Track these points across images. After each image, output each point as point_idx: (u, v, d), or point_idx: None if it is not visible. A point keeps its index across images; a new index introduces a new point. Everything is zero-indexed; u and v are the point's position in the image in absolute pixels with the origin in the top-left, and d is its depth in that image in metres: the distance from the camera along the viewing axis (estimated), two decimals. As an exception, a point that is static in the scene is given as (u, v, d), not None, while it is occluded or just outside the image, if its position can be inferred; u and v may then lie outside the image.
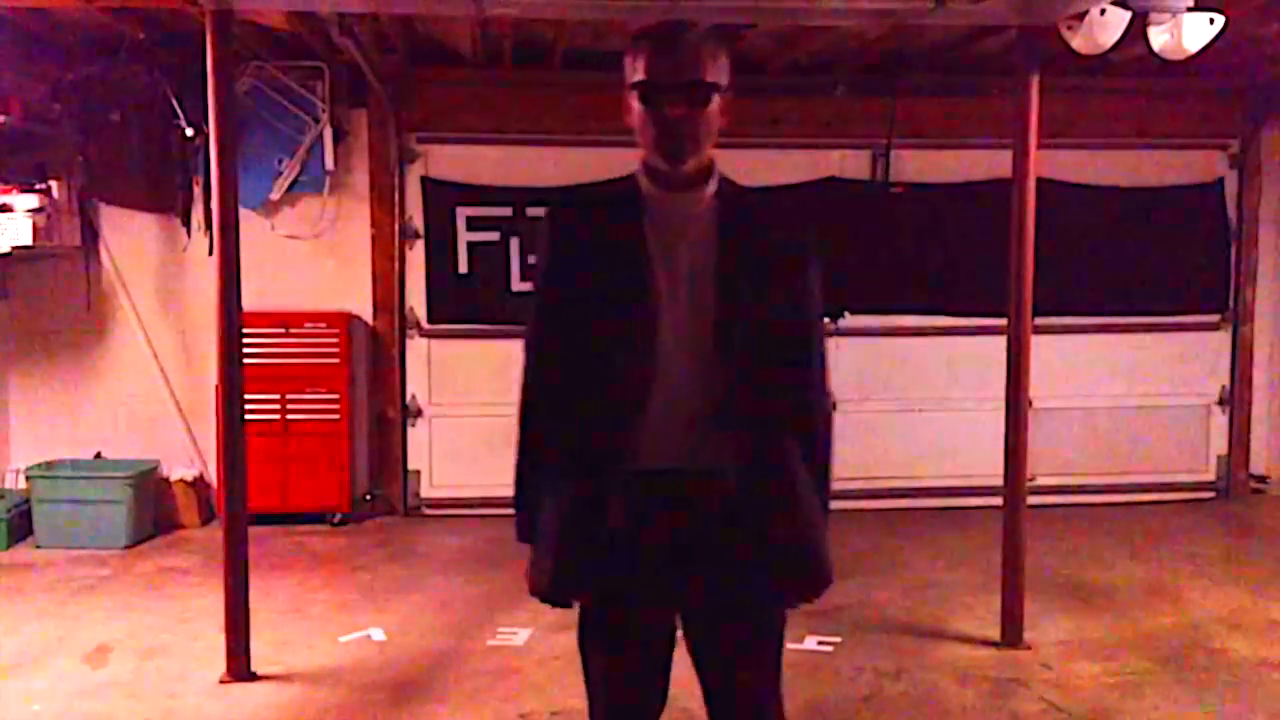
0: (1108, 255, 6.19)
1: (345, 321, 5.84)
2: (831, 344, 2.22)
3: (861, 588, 4.69)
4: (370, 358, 6.02)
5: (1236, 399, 6.46)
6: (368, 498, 6.01)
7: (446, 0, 4.11)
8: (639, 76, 1.93)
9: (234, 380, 3.80)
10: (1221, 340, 6.45)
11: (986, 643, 4.11)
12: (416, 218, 5.97)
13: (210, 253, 4.28)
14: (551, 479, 2.02)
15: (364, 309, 5.99)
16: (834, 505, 2.10)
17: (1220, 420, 6.48)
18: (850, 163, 6.06)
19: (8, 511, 5.39)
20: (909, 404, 6.14)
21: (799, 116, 5.96)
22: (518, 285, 5.94)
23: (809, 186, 5.94)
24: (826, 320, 2.55)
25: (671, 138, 1.92)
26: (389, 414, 6.04)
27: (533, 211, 5.92)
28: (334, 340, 5.78)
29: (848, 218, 5.92)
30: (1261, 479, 6.53)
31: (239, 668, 3.75)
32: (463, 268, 5.96)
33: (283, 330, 5.73)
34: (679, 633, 2.09)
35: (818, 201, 5.89)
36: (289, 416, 5.74)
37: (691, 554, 1.98)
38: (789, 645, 2.16)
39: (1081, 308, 6.20)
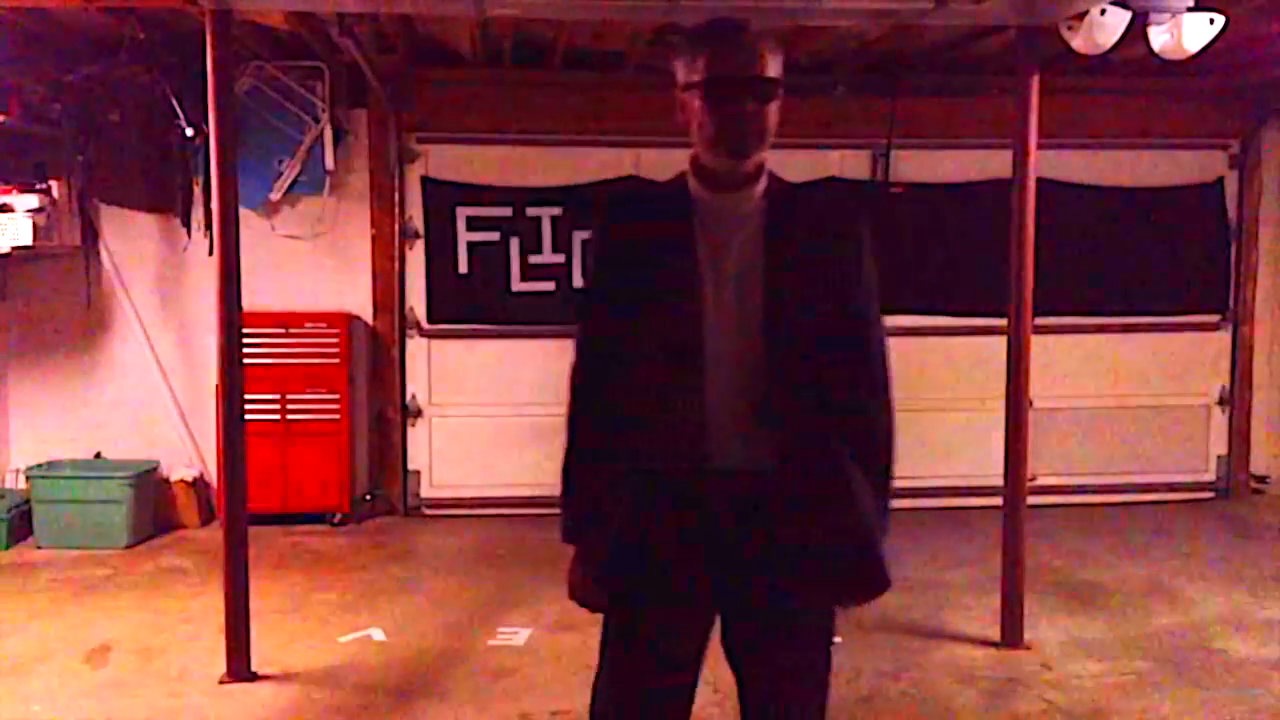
0: (1108, 255, 6.19)
1: (345, 321, 5.84)
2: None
3: (861, 588, 4.69)
4: (370, 358, 6.02)
5: (1236, 399, 6.46)
6: (368, 498, 6.01)
7: (446, 0, 4.11)
8: (700, 74, 1.91)
9: (234, 380, 3.80)
10: (1221, 340, 6.45)
11: (986, 643, 4.12)
12: (416, 218, 5.97)
13: (210, 253, 4.28)
14: (599, 479, 2.01)
15: (364, 309, 5.99)
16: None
17: (1220, 420, 6.48)
18: (850, 163, 6.06)
19: (8, 511, 5.39)
20: (909, 404, 6.07)
21: (799, 116, 5.91)
22: (518, 285, 5.95)
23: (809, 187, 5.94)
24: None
25: (736, 134, 1.90)
26: (389, 414, 6.04)
27: (533, 211, 5.93)
28: (334, 340, 5.78)
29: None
30: (1261, 479, 6.53)
31: (239, 668, 3.75)
32: (463, 268, 5.96)
33: (283, 330, 5.73)
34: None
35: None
36: (289, 416, 5.74)
37: (738, 556, 1.97)
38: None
39: (1081, 308, 6.20)
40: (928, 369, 6.08)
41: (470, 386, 6.06)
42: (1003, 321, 4.14)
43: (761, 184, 1.98)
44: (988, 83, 5.67)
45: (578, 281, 5.94)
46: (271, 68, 5.65)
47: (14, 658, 3.96)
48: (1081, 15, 3.86)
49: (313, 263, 5.92)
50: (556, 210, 5.93)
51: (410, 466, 6.09)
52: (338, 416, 5.79)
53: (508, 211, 5.94)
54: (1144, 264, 6.22)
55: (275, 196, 5.81)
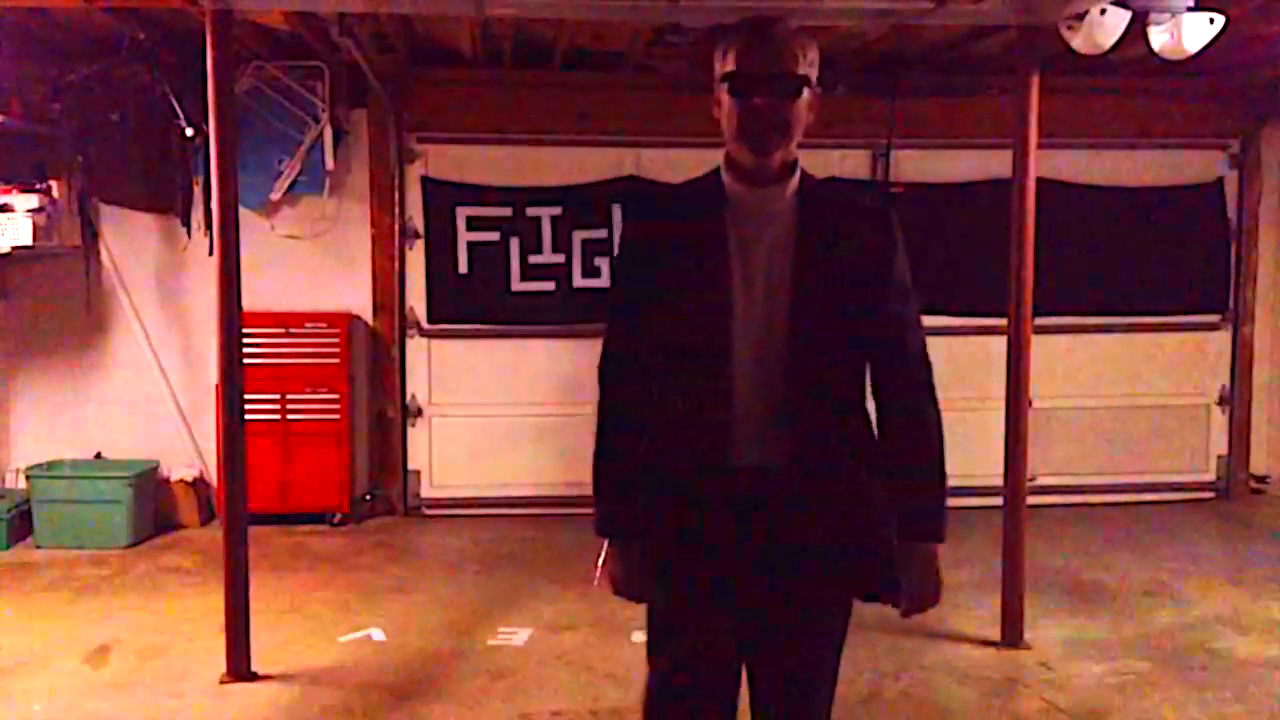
0: (1108, 255, 6.18)
1: (345, 321, 5.84)
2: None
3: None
4: (370, 358, 6.02)
5: (1236, 399, 6.46)
6: (368, 498, 6.01)
7: (446, 0, 4.11)
8: (729, 68, 1.92)
9: (234, 380, 3.80)
10: (1221, 340, 6.45)
11: (986, 643, 4.12)
12: (416, 218, 5.97)
13: (210, 253, 4.27)
14: (632, 474, 2.03)
15: (364, 309, 5.99)
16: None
17: (1220, 420, 6.48)
18: (850, 163, 6.05)
19: (8, 511, 5.39)
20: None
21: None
22: (518, 285, 5.95)
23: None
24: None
25: (757, 129, 1.91)
26: (389, 414, 6.04)
27: (533, 211, 5.93)
28: (334, 340, 5.78)
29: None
30: (1261, 479, 6.53)
31: (239, 668, 3.75)
32: (463, 268, 5.96)
33: (283, 330, 5.73)
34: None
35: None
36: (289, 416, 5.74)
37: (760, 553, 1.97)
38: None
39: (1081, 308, 6.19)
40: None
41: (470, 386, 6.06)
42: (1003, 321, 4.14)
43: (794, 181, 1.98)
44: (988, 83, 5.67)
45: (578, 281, 5.94)
46: (271, 68, 5.65)
47: (14, 658, 3.95)
48: (1081, 15, 3.86)
49: (313, 263, 5.92)
50: (556, 210, 5.93)
51: (410, 466, 6.08)
52: (338, 416, 5.79)
53: (508, 211, 5.93)
54: (1144, 264, 6.21)
55: (275, 196, 5.81)
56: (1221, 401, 6.47)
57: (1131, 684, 3.77)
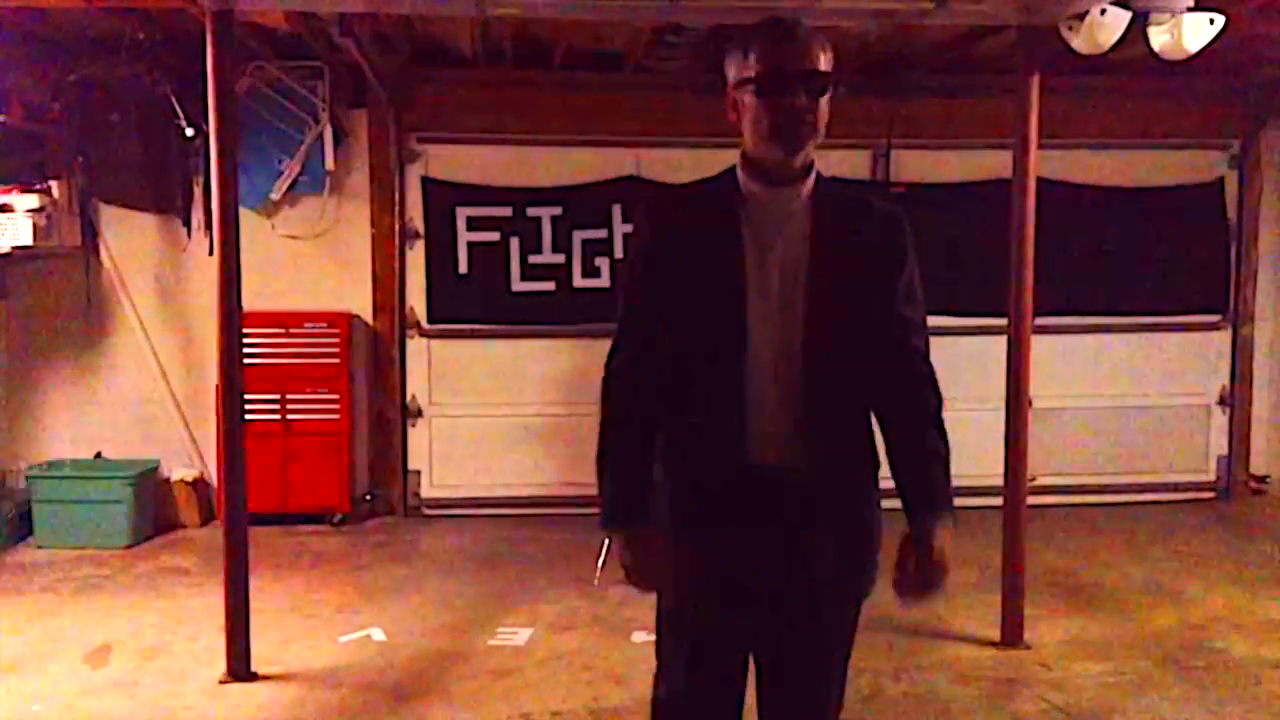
0: (1108, 255, 6.18)
1: (345, 321, 5.84)
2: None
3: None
4: (370, 358, 6.02)
5: (1236, 399, 6.46)
6: (368, 498, 6.01)
7: (447, 0, 4.11)
8: (754, 68, 1.92)
9: (234, 380, 3.80)
10: (1221, 340, 6.45)
11: (986, 643, 4.12)
12: (416, 218, 5.97)
13: (210, 253, 4.28)
14: (637, 464, 2.03)
15: (364, 309, 5.98)
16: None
17: (1220, 420, 6.48)
18: (850, 163, 6.05)
19: (8, 511, 5.39)
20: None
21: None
22: (518, 285, 5.95)
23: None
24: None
25: (790, 126, 1.91)
26: (389, 414, 6.04)
27: (533, 211, 5.93)
28: (334, 340, 5.78)
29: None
30: (1261, 479, 6.53)
31: (239, 668, 3.75)
32: (463, 268, 5.96)
33: (283, 330, 5.73)
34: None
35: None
36: (289, 416, 5.74)
37: (774, 553, 1.98)
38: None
39: (1081, 308, 6.20)
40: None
41: (470, 386, 6.06)
42: (1003, 321, 4.14)
43: (810, 182, 1.99)
44: (988, 83, 5.66)
45: (578, 282, 5.94)
46: (271, 68, 5.65)
47: (14, 658, 3.95)
48: (1081, 15, 3.86)
49: (313, 263, 5.92)
50: (556, 210, 5.93)
51: (410, 466, 6.08)
52: (338, 416, 5.79)
53: (508, 211, 5.93)
54: (1144, 264, 6.21)
55: (275, 196, 5.81)
56: (1221, 402, 6.47)
57: (1131, 684, 3.77)
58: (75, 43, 5.15)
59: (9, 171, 5.32)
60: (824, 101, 1.93)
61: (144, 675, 3.80)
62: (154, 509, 5.65)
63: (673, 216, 2.09)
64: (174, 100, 5.36)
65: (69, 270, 5.73)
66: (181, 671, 3.83)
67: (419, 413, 6.08)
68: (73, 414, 5.85)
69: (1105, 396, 6.35)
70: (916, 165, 6.11)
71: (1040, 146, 4.02)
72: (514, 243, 5.94)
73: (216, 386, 4.60)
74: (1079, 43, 3.95)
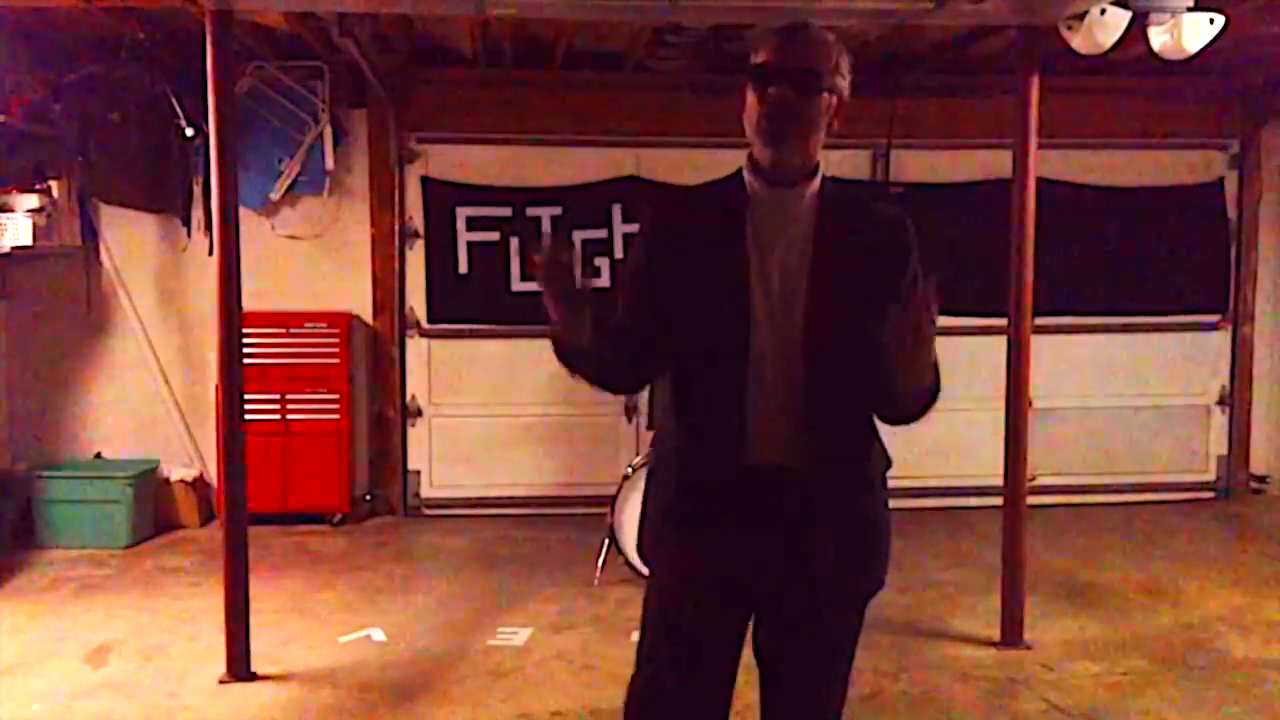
0: (1108, 255, 6.18)
1: (345, 321, 5.84)
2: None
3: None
4: (370, 358, 6.02)
5: (1236, 399, 6.46)
6: (368, 498, 6.01)
7: (447, 0, 4.11)
8: (753, 64, 1.95)
9: (234, 380, 3.80)
10: (1221, 340, 6.45)
11: (986, 643, 4.12)
12: (416, 218, 5.97)
13: (210, 253, 4.28)
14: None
15: (364, 309, 5.99)
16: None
17: (1220, 420, 6.48)
18: (850, 163, 6.05)
19: (8, 511, 5.38)
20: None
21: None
22: (518, 285, 5.94)
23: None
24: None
25: (774, 120, 1.91)
26: (389, 414, 6.03)
27: (533, 211, 5.93)
28: (334, 340, 5.78)
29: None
30: (1261, 479, 6.53)
31: (239, 668, 3.75)
32: (463, 268, 5.96)
33: (283, 330, 5.73)
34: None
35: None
36: (289, 416, 5.74)
37: (774, 553, 1.98)
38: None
39: (1081, 308, 6.20)
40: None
41: (470, 386, 6.06)
42: (1003, 321, 4.14)
43: (814, 184, 1.99)
44: (988, 83, 5.66)
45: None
46: (271, 68, 5.65)
47: (14, 658, 3.95)
48: (1081, 15, 3.86)
49: (313, 263, 5.93)
50: (556, 210, 5.93)
51: (410, 466, 6.08)
52: (338, 416, 5.79)
53: (508, 211, 5.93)
54: (1144, 264, 6.21)
55: (275, 196, 5.82)
56: (1221, 401, 6.47)
57: (1131, 684, 3.77)
58: (75, 43, 5.15)
59: (9, 171, 5.33)
60: (818, 102, 1.93)
61: (144, 675, 3.80)
62: (154, 509, 5.65)
63: (676, 216, 2.09)
64: (174, 100, 5.36)
65: (69, 270, 5.74)
66: (181, 672, 3.83)
67: (419, 413, 6.08)
68: (73, 414, 5.85)
69: (1105, 396, 6.35)
70: (916, 165, 6.11)
71: (1040, 146, 4.02)
72: (514, 243, 5.94)
73: (216, 386, 4.60)
74: (1079, 43, 3.95)
